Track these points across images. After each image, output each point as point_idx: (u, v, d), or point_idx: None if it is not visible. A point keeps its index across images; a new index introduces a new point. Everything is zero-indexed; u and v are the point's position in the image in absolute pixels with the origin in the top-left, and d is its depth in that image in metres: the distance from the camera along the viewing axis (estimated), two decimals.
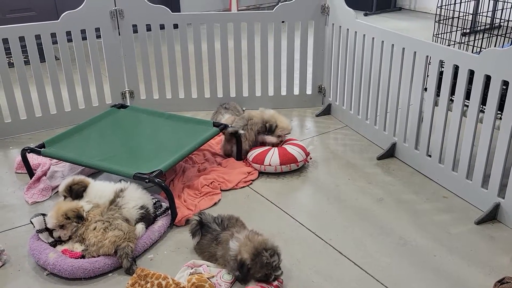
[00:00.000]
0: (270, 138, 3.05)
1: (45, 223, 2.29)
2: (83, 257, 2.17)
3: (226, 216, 2.28)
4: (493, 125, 2.39)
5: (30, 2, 5.58)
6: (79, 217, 2.27)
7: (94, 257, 2.16)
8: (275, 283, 2.03)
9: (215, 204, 2.64)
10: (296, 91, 3.81)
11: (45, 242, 2.23)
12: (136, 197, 2.37)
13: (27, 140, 3.32)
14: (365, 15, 6.76)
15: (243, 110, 3.63)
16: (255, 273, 2.00)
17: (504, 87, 2.29)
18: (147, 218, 2.37)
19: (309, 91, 3.82)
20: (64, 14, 3.32)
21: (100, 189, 2.44)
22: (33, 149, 2.74)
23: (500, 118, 2.35)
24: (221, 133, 3.08)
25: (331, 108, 3.70)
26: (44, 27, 3.27)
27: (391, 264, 2.19)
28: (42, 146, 2.77)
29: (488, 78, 2.36)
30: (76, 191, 2.42)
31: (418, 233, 2.39)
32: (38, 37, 3.26)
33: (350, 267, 2.18)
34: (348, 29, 3.27)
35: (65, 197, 2.45)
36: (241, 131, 2.98)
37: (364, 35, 3.12)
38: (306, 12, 3.53)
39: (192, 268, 2.13)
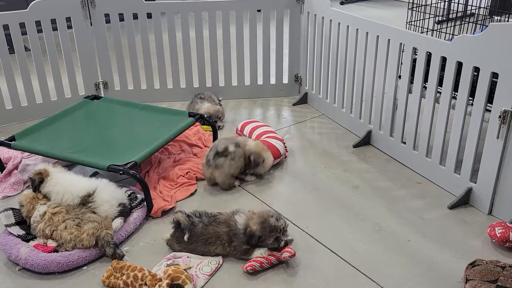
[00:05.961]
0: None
1: (15, 217, 2.25)
2: (56, 251, 2.13)
3: (200, 211, 2.23)
4: (465, 111, 2.42)
5: None
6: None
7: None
8: (285, 254, 2.07)
9: (191, 194, 2.63)
10: (273, 80, 3.80)
11: (16, 236, 2.18)
12: (109, 198, 2.30)
13: None
14: (341, 3, 6.77)
15: (220, 100, 3.61)
16: (266, 239, 2.08)
17: (475, 73, 2.32)
18: (126, 212, 2.34)
19: (285, 80, 3.81)
20: (33, 3, 3.22)
21: (64, 185, 2.32)
22: (3, 142, 2.67)
23: (472, 104, 2.38)
24: (197, 123, 3.05)
25: (307, 97, 3.70)
26: (12, 16, 3.17)
27: (367, 250, 2.22)
28: (12, 139, 2.70)
29: (460, 65, 2.38)
30: (33, 184, 2.34)
31: (393, 219, 2.42)
32: (6, 27, 3.16)
33: (326, 254, 2.19)
34: (323, 17, 3.27)
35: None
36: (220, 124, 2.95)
37: (339, 23, 3.11)
38: (281, 0, 3.51)
39: (170, 260, 2.11)
